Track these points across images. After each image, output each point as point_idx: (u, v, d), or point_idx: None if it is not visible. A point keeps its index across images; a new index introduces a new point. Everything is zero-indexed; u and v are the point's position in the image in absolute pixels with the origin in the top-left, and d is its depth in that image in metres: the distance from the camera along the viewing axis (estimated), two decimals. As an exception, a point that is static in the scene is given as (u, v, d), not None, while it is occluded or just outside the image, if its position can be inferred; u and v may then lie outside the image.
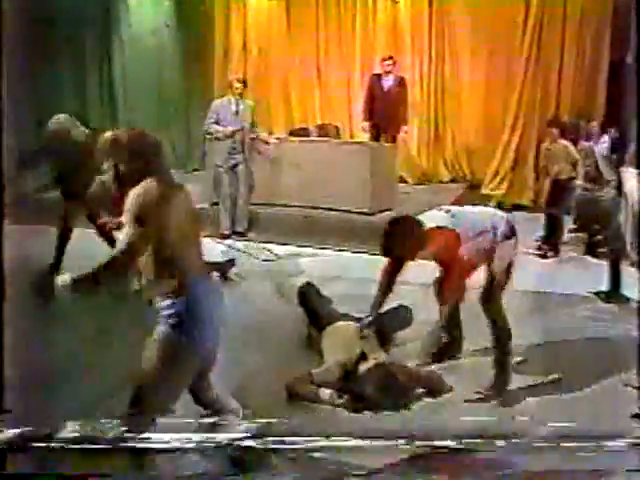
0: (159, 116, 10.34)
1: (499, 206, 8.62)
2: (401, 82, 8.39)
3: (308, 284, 4.84)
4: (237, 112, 7.12)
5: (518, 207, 8.67)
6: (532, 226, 7.15)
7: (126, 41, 10.21)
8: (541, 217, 7.30)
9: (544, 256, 6.78)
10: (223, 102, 7.19)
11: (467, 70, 9.15)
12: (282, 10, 10.07)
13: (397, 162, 8.35)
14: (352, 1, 9.70)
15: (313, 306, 4.57)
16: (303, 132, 8.91)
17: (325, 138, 8.37)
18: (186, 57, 10.43)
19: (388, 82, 8.35)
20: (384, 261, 3.92)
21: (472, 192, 8.90)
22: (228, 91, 7.25)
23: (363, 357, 3.77)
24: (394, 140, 8.26)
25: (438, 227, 3.70)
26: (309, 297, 4.67)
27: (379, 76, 8.45)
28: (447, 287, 3.88)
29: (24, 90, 8.55)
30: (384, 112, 8.25)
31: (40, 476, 2.87)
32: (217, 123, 7.11)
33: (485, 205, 7.95)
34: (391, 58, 8.37)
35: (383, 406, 3.58)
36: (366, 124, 8.48)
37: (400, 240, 3.65)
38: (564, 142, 6.95)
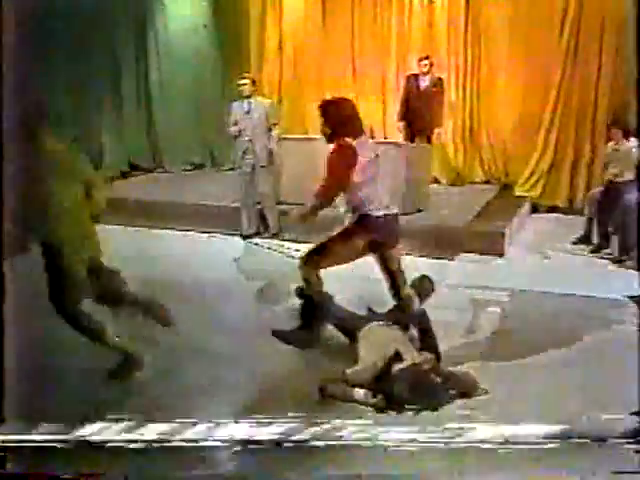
0: (195, 116, 10.44)
1: (534, 208, 8.61)
2: (438, 83, 8.37)
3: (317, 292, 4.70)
4: (248, 112, 7.16)
5: (554, 209, 8.62)
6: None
7: (162, 42, 10.34)
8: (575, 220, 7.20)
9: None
10: (237, 103, 7.25)
11: (503, 71, 9.07)
12: (318, 10, 10.10)
13: (432, 163, 8.33)
14: (388, 1, 9.69)
15: (335, 315, 4.52)
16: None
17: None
18: (222, 57, 10.51)
19: (424, 82, 8.33)
20: None
21: (507, 193, 8.83)
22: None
23: (398, 357, 3.79)
24: (429, 140, 8.24)
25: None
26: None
27: (416, 76, 8.44)
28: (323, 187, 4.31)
29: (61, 87, 8.73)
30: (420, 112, 8.23)
31: (40, 476, 2.92)
32: (236, 124, 7.19)
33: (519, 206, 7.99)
34: (427, 58, 8.35)
35: (416, 406, 3.59)
36: (401, 124, 8.48)
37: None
38: (628, 143, 6.75)
